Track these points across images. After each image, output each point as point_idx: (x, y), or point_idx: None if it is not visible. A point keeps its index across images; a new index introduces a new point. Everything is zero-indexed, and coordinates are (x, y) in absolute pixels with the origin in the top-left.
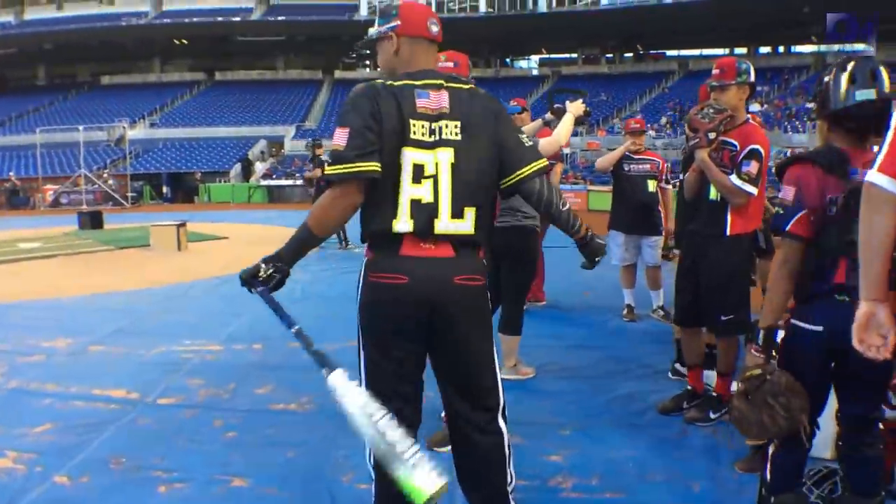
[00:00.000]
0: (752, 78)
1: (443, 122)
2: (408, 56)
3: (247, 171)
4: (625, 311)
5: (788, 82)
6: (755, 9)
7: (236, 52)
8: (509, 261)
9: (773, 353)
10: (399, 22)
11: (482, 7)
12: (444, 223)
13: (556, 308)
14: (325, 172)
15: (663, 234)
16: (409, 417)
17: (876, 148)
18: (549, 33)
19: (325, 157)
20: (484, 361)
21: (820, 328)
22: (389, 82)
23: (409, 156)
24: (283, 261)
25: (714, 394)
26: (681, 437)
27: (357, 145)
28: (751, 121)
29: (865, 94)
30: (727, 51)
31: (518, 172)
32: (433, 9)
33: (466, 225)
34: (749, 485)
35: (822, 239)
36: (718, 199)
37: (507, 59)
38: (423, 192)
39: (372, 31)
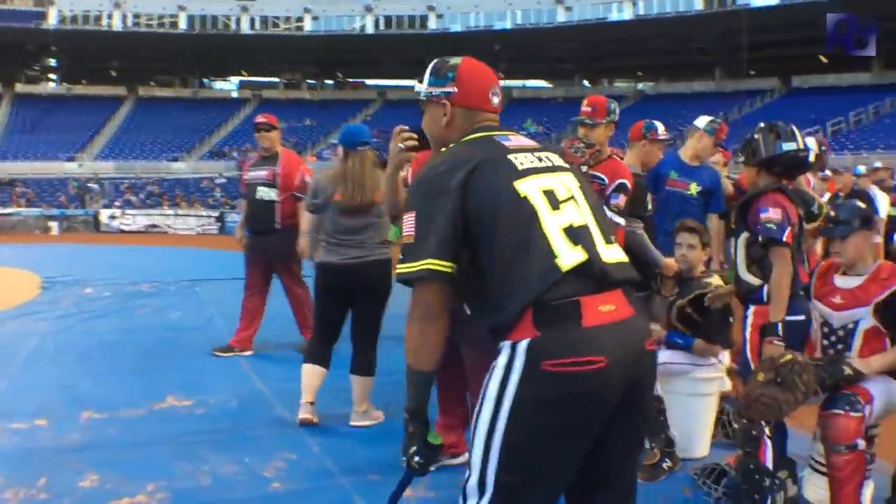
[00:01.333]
0: (618, 117)
1: (544, 153)
2: (461, 129)
3: None
4: None
5: None
6: (445, 43)
7: None
8: (371, 296)
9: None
10: (455, 89)
11: (182, 23)
12: (602, 248)
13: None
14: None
15: None
16: None
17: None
18: (251, 55)
19: None
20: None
21: (802, 317)
22: (463, 140)
23: (533, 184)
24: (418, 415)
25: None
26: None
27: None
28: (614, 157)
29: (789, 146)
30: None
31: None
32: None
33: (620, 252)
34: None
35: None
36: None
37: (206, 80)
38: (570, 215)
39: (420, 87)
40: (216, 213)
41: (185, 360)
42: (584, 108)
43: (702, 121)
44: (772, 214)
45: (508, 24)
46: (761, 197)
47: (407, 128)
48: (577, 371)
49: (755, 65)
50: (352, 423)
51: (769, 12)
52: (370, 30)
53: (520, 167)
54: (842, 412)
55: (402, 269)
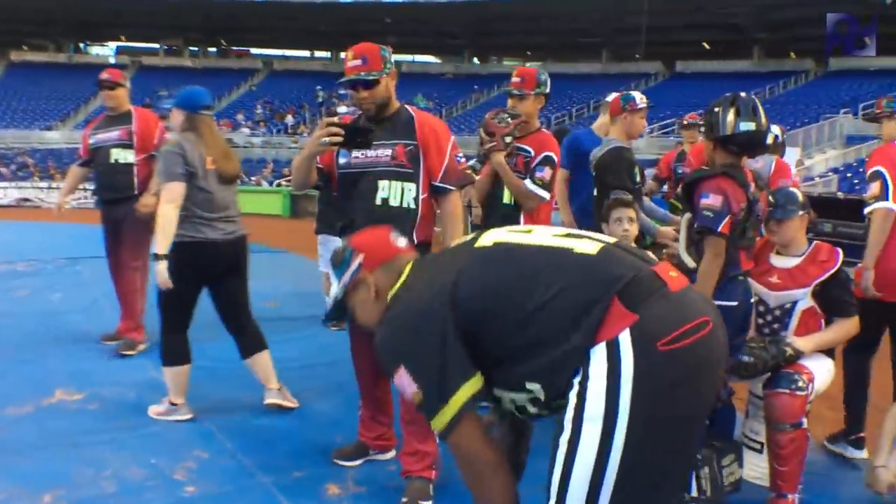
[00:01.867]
0: (549, 89)
1: None
2: (391, 281)
3: None
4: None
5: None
6: (336, 15)
7: None
8: (242, 271)
9: None
10: (361, 259)
11: None
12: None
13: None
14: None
15: None
16: None
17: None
18: (130, 20)
19: None
20: None
21: (735, 303)
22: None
23: (492, 235)
24: None
25: None
26: None
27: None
28: (543, 129)
29: (748, 126)
30: (309, 53)
31: None
32: None
33: None
34: None
35: (732, 237)
36: (512, 202)
37: (83, 45)
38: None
39: (335, 290)
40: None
41: (71, 347)
42: (514, 78)
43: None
44: (711, 201)
45: None
46: (706, 181)
47: (335, 120)
48: (694, 341)
49: (639, 48)
50: (269, 402)
51: None
52: None
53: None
54: (787, 391)
55: (438, 425)
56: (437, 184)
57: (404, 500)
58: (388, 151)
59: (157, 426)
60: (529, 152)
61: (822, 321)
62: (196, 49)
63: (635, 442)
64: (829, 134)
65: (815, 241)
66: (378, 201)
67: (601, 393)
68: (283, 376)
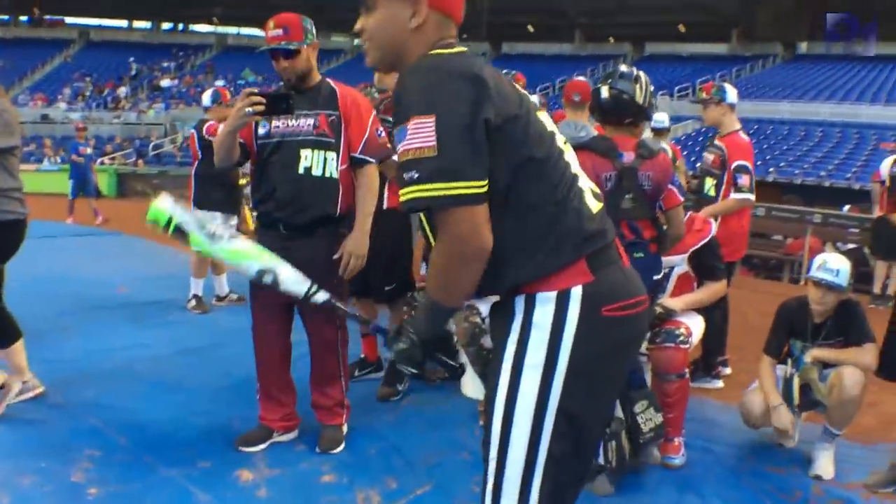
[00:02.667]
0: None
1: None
2: (428, 43)
3: None
4: (193, 303)
5: (194, 60)
6: None
7: None
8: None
9: None
10: None
11: None
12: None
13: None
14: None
15: None
16: None
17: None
18: None
19: None
20: None
21: None
22: (442, 52)
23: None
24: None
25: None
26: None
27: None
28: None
29: (604, 92)
30: (127, 23)
31: None
32: None
33: None
34: None
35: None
36: None
37: None
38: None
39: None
40: None
41: None
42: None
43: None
44: None
45: None
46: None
47: (257, 90)
48: (631, 314)
49: (468, 30)
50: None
51: None
52: None
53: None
54: (672, 345)
55: (420, 190)
56: (356, 155)
57: (323, 446)
58: (311, 121)
59: (36, 426)
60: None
61: (695, 283)
62: (6, 18)
63: (570, 391)
64: None
65: (689, 213)
66: (301, 170)
67: (543, 342)
68: (162, 363)
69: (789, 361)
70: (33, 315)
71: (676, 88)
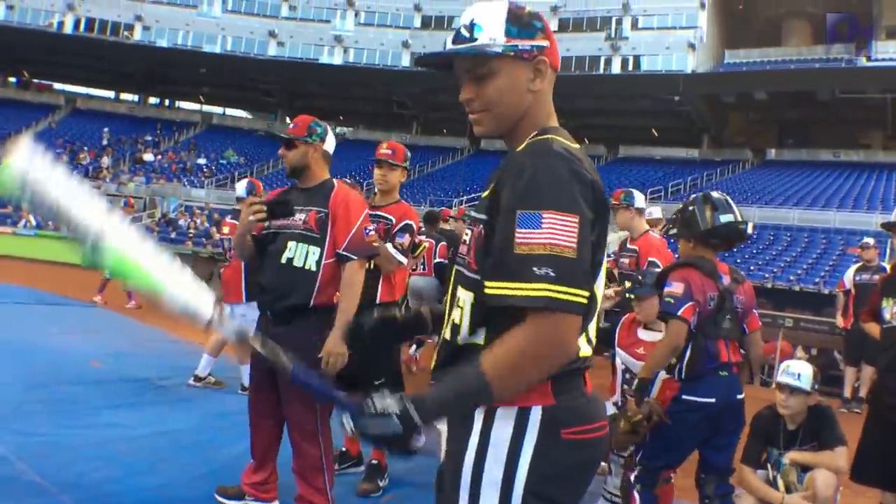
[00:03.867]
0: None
1: None
2: (548, 102)
3: None
4: (212, 379)
5: (178, 136)
6: (148, 58)
7: None
8: None
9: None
10: (548, 43)
11: None
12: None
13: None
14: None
15: None
16: None
17: None
18: None
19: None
20: None
21: (713, 399)
22: (568, 144)
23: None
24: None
25: (374, 461)
26: None
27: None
28: (403, 201)
29: (728, 218)
30: (115, 94)
31: None
32: None
33: None
34: None
35: (705, 328)
36: (372, 266)
37: None
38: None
39: (490, 36)
40: None
41: None
42: (384, 150)
43: None
44: (673, 289)
45: (218, 49)
46: (672, 272)
47: (259, 200)
48: (591, 438)
49: (447, 124)
50: None
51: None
52: (69, 29)
53: None
54: None
55: (554, 291)
56: (339, 251)
57: None
58: (303, 216)
59: None
60: (391, 220)
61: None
62: None
63: None
64: None
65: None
66: (283, 260)
67: (502, 459)
68: (137, 444)
69: (769, 466)
70: (3, 383)
71: (649, 191)
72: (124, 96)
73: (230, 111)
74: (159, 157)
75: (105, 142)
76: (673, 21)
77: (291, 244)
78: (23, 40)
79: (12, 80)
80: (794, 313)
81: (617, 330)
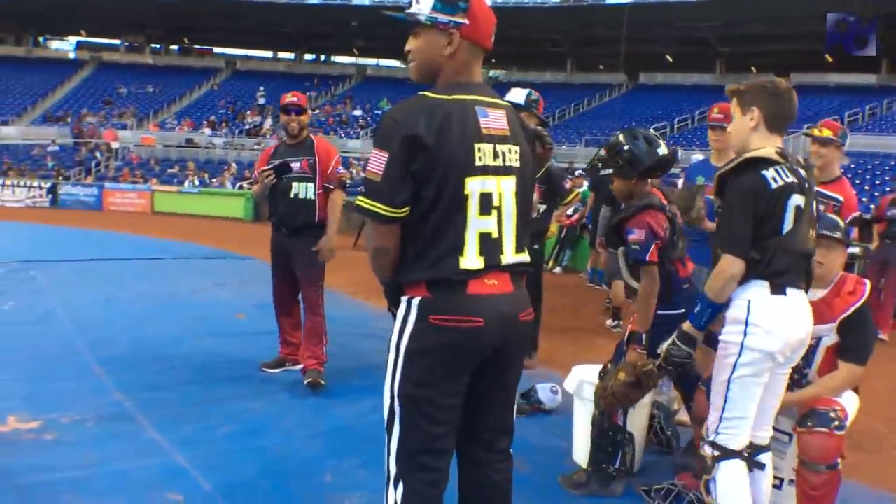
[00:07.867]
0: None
1: (506, 147)
2: (462, 65)
3: None
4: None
5: (334, 90)
6: (301, 16)
7: None
8: None
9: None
10: (467, 21)
11: None
12: (509, 257)
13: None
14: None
15: None
16: (446, 474)
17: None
18: (90, 14)
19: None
20: (514, 399)
21: (682, 311)
22: (444, 96)
23: (477, 185)
24: None
25: None
26: None
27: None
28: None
29: (663, 150)
30: (272, 53)
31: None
32: None
33: (526, 257)
34: None
35: (668, 254)
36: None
37: (43, 38)
38: (491, 226)
39: (419, 8)
40: (48, 184)
41: (26, 364)
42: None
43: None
44: (636, 236)
45: (367, 1)
46: (629, 220)
47: (270, 168)
48: (456, 326)
49: (604, 59)
50: None
51: (620, 9)
52: None
53: (476, 162)
54: (826, 430)
55: (361, 201)
56: (325, 184)
57: (307, 380)
58: (298, 164)
59: (121, 462)
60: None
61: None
62: (158, 46)
63: (406, 375)
64: None
65: (840, 273)
66: (292, 195)
67: (396, 331)
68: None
69: None
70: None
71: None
72: (281, 55)
73: (384, 62)
74: (316, 111)
75: (262, 101)
76: None
77: (295, 184)
78: (180, 9)
79: (174, 47)
80: None
81: None
